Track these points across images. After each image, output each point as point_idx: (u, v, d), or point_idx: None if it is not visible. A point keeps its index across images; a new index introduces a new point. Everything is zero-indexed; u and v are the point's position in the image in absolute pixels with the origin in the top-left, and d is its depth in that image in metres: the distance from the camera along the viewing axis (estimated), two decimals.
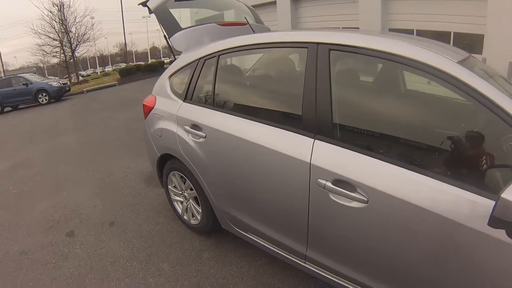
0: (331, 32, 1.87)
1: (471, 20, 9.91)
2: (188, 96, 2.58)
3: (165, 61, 28.25)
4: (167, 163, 2.89)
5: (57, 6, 21.12)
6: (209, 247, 2.78)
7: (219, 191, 2.35)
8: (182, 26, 2.88)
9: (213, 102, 2.38)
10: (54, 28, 21.36)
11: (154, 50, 67.17)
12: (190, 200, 2.86)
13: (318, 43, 1.78)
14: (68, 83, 16.75)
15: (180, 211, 3.05)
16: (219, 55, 2.38)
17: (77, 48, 22.05)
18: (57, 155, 5.93)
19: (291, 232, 1.95)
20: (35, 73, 22.82)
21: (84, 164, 5.14)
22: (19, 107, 14.74)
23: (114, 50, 61.61)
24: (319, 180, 1.64)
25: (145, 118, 3.03)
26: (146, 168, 4.63)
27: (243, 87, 2.60)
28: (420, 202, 1.39)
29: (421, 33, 11.03)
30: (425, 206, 1.38)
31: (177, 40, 2.81)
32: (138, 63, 29.11)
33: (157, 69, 21.67)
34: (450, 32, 10.31)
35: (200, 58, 2.52)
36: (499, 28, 8.86)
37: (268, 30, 3.43)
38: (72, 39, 21.55)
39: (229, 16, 4.36)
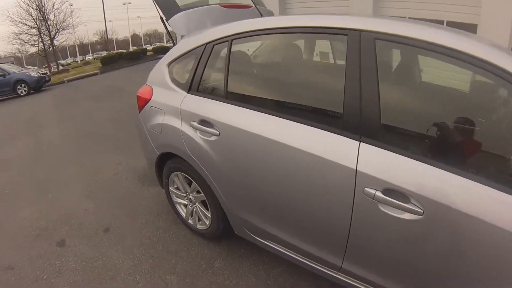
0: (377, 19, 1.65)
1: (464, 10, 9.75)
2: (193, 87, 2.25)
3: (147, 48, 27.39)
4: (168, 162, 2.58)
5: None
6: (220, 255, 2.50)
7: (235, 196, 2.09)
8: (181, 7, 2.52)
9: (226, 95, 2.07)
10: (31, 15, 20.28)
11: (135, 38, 65.52)
12: (197, 203, 2.57)
13: (360, 31, 1.54)
14: (48, 73, 15.94)
15: (184, 214, 2.76)
16: (232, 40, 2.06)
17: (56, 36, 21.05)
18: (39, 152, 5.47)
19: (326, 243, 1.74)
20: (13, 63, 21.78)
21: (70, 162, 4.73)
22: None
23: (94, 38, 59.71)
24: (366, 189, 1.43)
25: (140, 111, 2.69)
26: (138, 164, 4.28)
27: (265, 78, 2.24)
28: (492, 218, 1.21)
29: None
30: (497, 223, 1.19)
31: (176, 22, 2.47)
32: (120, 50, 28.12)
33: (139, 56, 21.01)
34: (443, 21, 10.20)
35: (207, 43, 2.19)
36: (493, 18, 8.73)
37: (272, 14, 3.11)
38: (50, 27, 20.50)
39: None
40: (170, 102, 2.35)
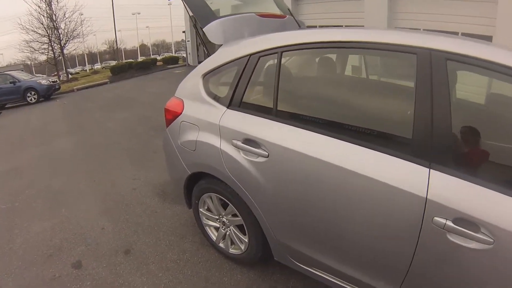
0: (447, 38, 1.58)
1: (479, 21, 9.79)
2: (234, 102, 2.07)
3: (157, 58, 27.48)
4: (200, 182, 2.39)
5: (45, 1, 20.15)
6: (255, 281, 2.30)
7: (282, 222, 1.91)
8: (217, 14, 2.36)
9: (276, 112, 1.89)
10: (42, 23, 20.39)
11: (143, 48, 66.15)
12: (231, 227, 2.37)
13: (430, 49, 1.46)
14: (58, 81, 15.91)
15: (214, 237, 2.55)
16: (282, 52, 1.90)
17: (66, 44, 21.10)
18: (50, 162, 5.29)
19: (383, 271, 1.63)
20: (23, 70, 21.83)
21: (83, 174, 4.54)
22: (6, 106, 13.88)
23: (103, 48, 60.41)
24: (436, 218, 1.35)
25: (168, 125, 2.51)
26: (156, 179, 4.08)
27: (322, 96, 2.05)
28: None
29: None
30: None
31: (213, 30, 2.30)
32: (129, 60, 28.25)
33: (149, 66, 20.97)
34: (457, 33, 10.20)
35: (251, 54, 2.03)
36: (508, 29, 8.73)
37: (304, 25, 2.95)
38: (61, 35, 20.59)
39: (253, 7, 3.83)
40: (207, 118, 2.16)
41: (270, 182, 1.84)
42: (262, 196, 1.91)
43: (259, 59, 2.01)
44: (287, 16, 2.88)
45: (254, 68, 2.02)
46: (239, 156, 1.96)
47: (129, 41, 64.86)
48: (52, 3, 20.18)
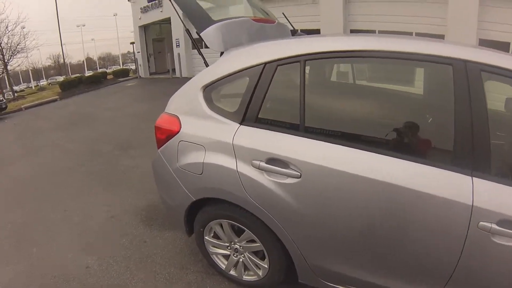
0: (481, 49, 1.65)
1: (432, 21, 10.33)
2: (248, 117, 1.87)
3: (107, 71, 26.31)
4: (206, 208, 2.15)
5: None
6: None
7: (314, 244, 1.80)
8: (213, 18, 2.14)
9: (304, 127, 1.73)
10: None
11: (89, 61, 63.70)
12: (246, 253, 2.16)
13: (465, 61, 1.50)
14: (4, 99, 14.63)
15: (223, 266, 2.32)
16: (305, 60, 1.75)
17: (10, 60, 19.45)
18: (8, 193, 4.66)
19: (426, 280, 1.62)
20: None
21: (50, 204, 4.01)
22: None
23: (47, 63, 57.10)
24: (481, 223, 1.41)
25: (160, 146, 2.22)
26: (134, 204, 3.73)
27: (356, 108, 1.93)
28: None
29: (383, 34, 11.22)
30: None
31: (211, 36, 2.08)
32: (79, 74, 26.77)
33: (100, 80, 19.95)
34: (411, 33, 10.69)
35: (267, 63, 1.84)
36: (459, 28, 9.28)
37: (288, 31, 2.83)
38: (4, 50, 18.93)
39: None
40: (215, 136, 1.93)
41: (303, 203, 1.70)
42: (293, 219, 1.76)
43: (276, 68, 1.81)
44: (277, 21, 2.78)
45: (271, 79, 1.82)
46: (262, 178, 1.77)
47: (74, 55, 62.28)
48: None
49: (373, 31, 11.57)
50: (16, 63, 21.22)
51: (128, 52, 61.14)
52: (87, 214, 3.62)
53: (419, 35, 10.48)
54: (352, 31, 11.87)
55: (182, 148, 2.06)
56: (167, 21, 17.73)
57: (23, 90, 30.12)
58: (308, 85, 1.79)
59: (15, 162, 6.09)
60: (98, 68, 53.46)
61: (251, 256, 2.15)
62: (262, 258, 2.11)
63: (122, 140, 6.64)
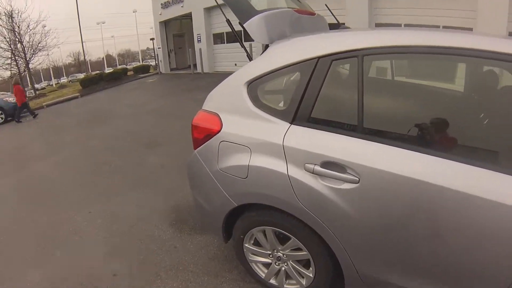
0: None
1: (460, 14, 9.91)
2: (300, 116, 1.68)
3: (128, 67, 26.50)
4: (247, 214, 1.98)
5: (5, 14, 18.71)
6: None
7: (369, 253, 1.64)
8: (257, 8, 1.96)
9: (362, 128, 1.55)
10: (4, 37, 18.86)
11: (109, 58, 64.70)
12: (290, 261, 1.98)
13: None
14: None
15: (262, 275, 2.15)
16: (364, 55, 1.56)
17: (32, 58, 19.69)
18: (33, 190, 4.62)
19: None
20: None
21: (74, 204, 3.91)
22: None
23: (68, 61, 58.18)
24: None
25: (197, 146, 2.04)
26: (164, 205, 3.57)
27: (422, 109, 1.71)
28: None
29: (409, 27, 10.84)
30: None
31: (255, 27, 1.89)
32: (99, 71, 27.10)
33: (120, 77, 20.14)
34: (439, 26, 10.29)
35: (320, 57, 1.65)
36: (489, 21, 8.87)
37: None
38: (26, 49, 19.17)
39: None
40: (262, 136, 1.74)
41: (360, 210, 1.55)
42: (347, 227, 1.61)
43: (331, 63, 1.62)
44: (316, 14, 2.60)
45: (326, 74, 1.63)
46: (316, 184, 1.60)
47: (94, 52, 63.23)
48: (13, 15, 18.80)
49: (399, 25, 11.23)
50: (37, 61, 21.48)
51: (148, 48, 61.85)
52: (114, 216, 3.48)
53: (447, 27, 10.10)
54: (378, 25, 11.52)
55: (223, 149, 1.87)
56: (188, 16, 17.69)
57: (44, 88, 30.72)
58: (366, 82, 1.58)
59: (39, 161, 6.05)
60: (117, 64, 54.25)
61: (295, 265, 1.98)
62: (306, 266, 1.96)
63: (146, 137, 6.52)
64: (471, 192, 1.32)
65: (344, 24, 2.90)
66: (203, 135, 1.99)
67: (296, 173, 1.63)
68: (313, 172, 1.59)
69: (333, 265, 1.80)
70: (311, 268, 1.92)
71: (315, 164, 1.59)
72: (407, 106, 1.75)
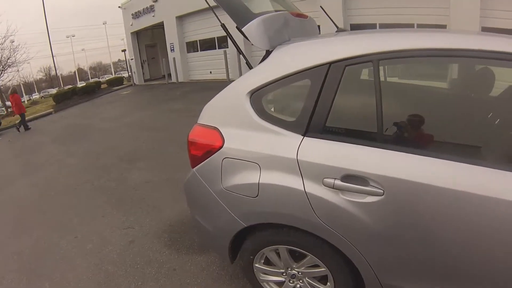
0: None
1: (434, 12, 10.14)
2: (314, 127, 1.57)
3: (101, 80, 25.84)
4: (258, 234, 1.84)
5: None
6: None
7: (393, 266, 1.55)
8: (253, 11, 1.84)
9: (382, 137, 1.48)
10: None
11: (80, 72, 63.27)
12: (306, 278, 1.88)
13: None
14: None
15: None
16: (379, 60, 1.47)
17: (1, 75, 18.87)
18: (10, 218, 4.28)
19: None
20: None
21: (58, 228, 3.65)
22: None
23: (39, 76, 56.41)
24: None
25: (195, 164, 1.89)
26: (154, 225, 3.39)
27: (443, 114, 1.64)
28: None
29: (384, 27, 10.98)
30: None
31: (254, 31, 1.78)
32: (72, 86, 26.25)
33: (94, 90, 19.46)
34: (413, 24, 10.50)
35: (333, 62, 1.55)
36: (461, 18, 9.11)
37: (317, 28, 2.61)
38: None
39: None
40: (272, 151, 1.61)
41: (385, 224, 1.46)
42: (371, 241, 1.52)
43: (345, 68, 1.52)
44: (309, 17, 2.54)
45: (339, 81, 1.52)
46: (337, 199, 1.50)
47: (65, 67, 61.85)
48: None
49: (373, 25, 11.36)
50: (7, 78, 20.68)
51: (119, 60, 60.81)
52: (102, 239, 3.26)
53: (421, 26, 10.29)
54: (353, 26, 11.62)
55: (227, 166, 1.74)
56: (160, 25, 17.44)
57: None
58: (384, 87, 1.51)
59: (15, 182, 5.71)
60: (90, 78, 53.02)
61: (311, 281, 1.88)
62: (322, 282, 1.87)
63: (126, 152, 6.28)
64: (505, 197, 1.25)
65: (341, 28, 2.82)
66: (202, 152, 1.84)
67: (314, 189, 1.52)
68: (333, 187, 1.48)
69: (352, 278, 1.72)
70: (328, 284, 1.83)
71: (335, 179, 1.48)
72: (430, 111, 1.67)
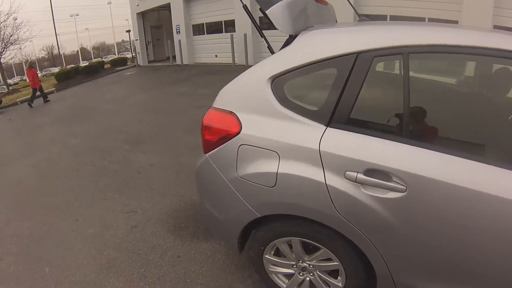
0: None
1: (446, 7, 9.99)
2: (338, 117, 1.51)
3: (104, 60, 25.62)
4: (271, 225, 1.78)
5: None
6: None
7: (409, 263, 1.52)
8: None
9: (408, 132, 1.43)
10: None
11: (83, 52, 62.76)
12: (317, 271, 1.86)
13: None
14: None
15: (284, 285, 2.00)
16: (409, 53, 1.42)
17: (3, 52, 18.63)
18: (9, 200, 4.20)
19: None
20: None
21: (58, 212, 3.57)
22: None
23: (41, 54, 55.96)
24: None
25: (209, 150, 1.81)
26: (158, 209, 3.32)
27: (475, 112, 1.63)
28: None
29: (394, 19, 10.81)
30: None
31: (279, 14, 1.68)
32: (75, 65, 26.03)
33: (97, 70, 19.35)
34: (424, 18, 10.34)
35: (360, 52, 1.48)
36: (473, 14, 8.97)
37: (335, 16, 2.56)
38: None
39: None
40: (293, 140, 1.54)
41: (406, 221, 1.43)
42: (389, 237, 1.48)
43: (373, 59, 1.46)
44: (329, 4, 2.48)
45: (367, 72, 1.46)
46: (358, 193, 1.45)
47: (68, 46, 61.15)
48: None
49: (384, 17, 11.21)
50: (9, 56, 20.44)
51: (123, 41, 60.19)
52: (104, 223, 3.20)
53: (432, 20, 10.14)
54: (363, 17, 11.43)
55: (243, 153, 1.66)
56: (166, 7, 17.17)
57: (17, 83, 29.37)
58: (413, 82, 1.45)
59: (14, 163, 5.62)
60: (92, 58, 52.60)
61: (322, 275, 1.85)
62: (333, 275, 1.84)
63: (130, 134, 6.19)
64: None
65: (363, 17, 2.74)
66: (217, 137, 1.76)
67: (335, 181, 1.47)
68: (355, 180, 1.43)
69: (364, 273, 1.70)
70: (339, 277, 1.79)
71: (358, 172, 1.43)
72: (462, 109, 1.64)
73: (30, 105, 11.52)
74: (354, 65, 1.47)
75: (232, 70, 12.40)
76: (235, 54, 13.59)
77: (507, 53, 1.30)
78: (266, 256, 1.90)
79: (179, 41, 16.49)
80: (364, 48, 1.47)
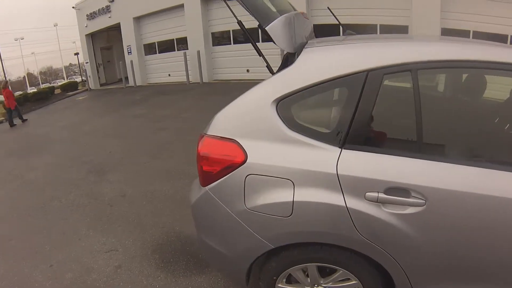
0: None
1: (396, 13, 10.57)
2: (352, 138, 1.48)
3: (54, 85, 24.43)
4: (284, 254, 1.68)
5: None
6: None
7: (432, 275, 1.53)
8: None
9: (423, 147, 1.47)
10: None
11: (30, 77, 59.55)
12: None
13: None
14: None
15: None
16: (418, 70, 1.45)
17: None
18: None
19: None
20: None
21: (27, 257, 3.20)
22: None
23: None
24: None
25: (209, 182, 1.69)
26: (140, 245, 3.12)
27: (482, 124, 1.70)
28: None
29: (349, 28, 11.22)
30: None
31: (279, 31, 1.62)
32: (23, 92, 24.54)
33: (47, 96, 18.31)
34: (376, 25, 10.86)
35: (369, 70, 1.47)
36: (422, 18, 9.57)
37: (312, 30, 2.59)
38: None
39: None
40: (307, 165, 1.49)
41: (427, 233, 1.44)
42: (411, 251, 1.48)
43: (383, 77, 1.45)
44: (308, 18, 2.55)
45: (378, 90, 1.46)
46: (380, 212, 1.44)
47: (13, 71, 57.79)
48: None
49: (335, 26, 11.57)
50: None
51: (70, 64, 57.90)
52: (83, 266, 2.91)
53: (384, 27, 10.65)
54: (316, 26, 11.76)
55: (252, 184, 1.56)
56: (116, 27, 16.77)
57: None
58: (423, 97, 1.49)
59: None
60: (40, 83, 50.08)
61: None
62: None
63: (92, 163, 5.85)
64: None
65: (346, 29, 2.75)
66: (218, 168, 1.64)
67: (356, 204, 1.45)
68: (377, 200, 1.41)
69: (383, 286, 1.68)
70: None
71: (378, 192, 1.41)
72: (470, 121, 1.68)
73: (11, 125, 11.68)
74: (365, 83, 1.46)
75: (187, 89, 12.36)
76: (189, 71, 13.50)
77: None
78: (279, 285, 1.80)
79: (131, 61, 16.15)
80: (374, 66, 1.46)
